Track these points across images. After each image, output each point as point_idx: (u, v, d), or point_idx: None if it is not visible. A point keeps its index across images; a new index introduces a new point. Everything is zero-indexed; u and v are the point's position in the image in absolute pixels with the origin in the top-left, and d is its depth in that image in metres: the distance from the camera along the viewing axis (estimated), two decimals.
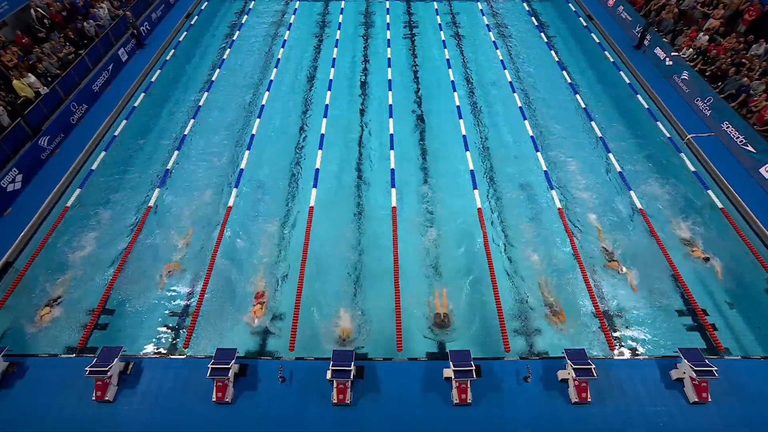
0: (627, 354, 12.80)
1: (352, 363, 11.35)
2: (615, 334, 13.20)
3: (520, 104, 22.12)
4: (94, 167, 18.58)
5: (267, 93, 22.73)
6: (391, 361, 12.35)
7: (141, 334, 13.29)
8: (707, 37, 23.00)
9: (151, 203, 16.98)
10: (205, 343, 12.96)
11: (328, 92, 22.84)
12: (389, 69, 24.78)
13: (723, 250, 15.21)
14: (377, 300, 13.98)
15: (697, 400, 11.36)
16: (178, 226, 16.31)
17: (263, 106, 21.89)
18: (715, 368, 11.30)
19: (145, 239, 15.85)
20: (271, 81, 23.64)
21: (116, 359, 11.53)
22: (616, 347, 12.84)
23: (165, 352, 12.86)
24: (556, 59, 25.73)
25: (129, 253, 15.19)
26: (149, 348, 12.96)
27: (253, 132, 20.27)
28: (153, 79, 23.95)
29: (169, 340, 13.19)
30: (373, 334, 13.14)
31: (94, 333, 13.19)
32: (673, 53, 23.40)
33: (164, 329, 13.46)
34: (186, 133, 20.35)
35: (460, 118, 21.24)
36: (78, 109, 20.81)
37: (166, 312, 13.88)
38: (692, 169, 18.48)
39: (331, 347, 12.36)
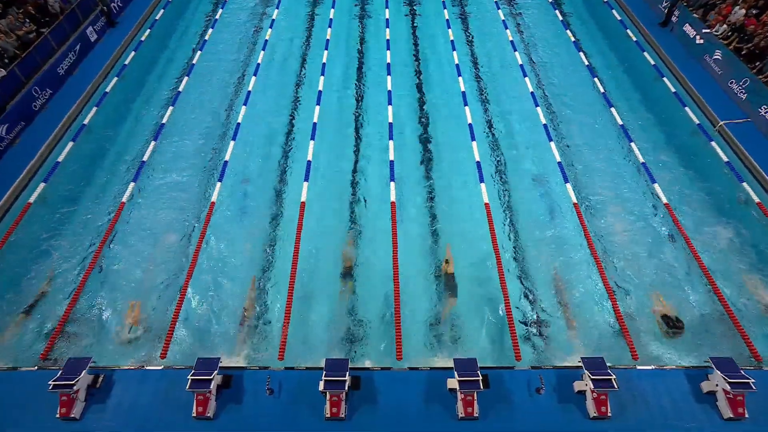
0: (652, 363, 12.75)
1: (347, 373, 11.33)
2: (638, 341, 13.15)
3: (531, 89, 22.10)
4: (60, 159, 18.50)
5: (254, 78, 22.71)
6: (389, 371, 12.33)
7: (113, 342, 13.27)
8: (744, 10, 22.74)
9: (125, 198, 16.98)
10: (185, 352, 12.99)
11: (321, 77, 22.81)
12: (388, 51, 24.75)
13: (758, 248, 15.22)
14: (374, 303, 14.02)
15: (731, 415, 11.28)
16: (155, 224, 16.39)
17: (249, 92, 21.87)
18: (752, 380, 11.22)
19: (119, 239, 15.88)
20: (259, 64, 23.62)
21: (84, 371, 11.46)
22: (639, 355, 12.79)
23: (140, 362, 12.83)
24: (573, 39, 25.65)
25: (99, 254, 15.20)
26: (122, 358, 12.92)
27: (239, 121, 20.27)
28: (126, 62, 23.86)
29: (145, 349, 13.17)
30: (370, 340, 13.18)
31: (59, 342, 13.19)
32: (704, 30, 23.29)
33: (139, 337, 13.46)
34: (164, 122, 20.33)
35: (466, 104, 21.22)
36: (41, 95, 20.74)
37: (143, 316, 13.91)
38: (725, 159, 18.41)
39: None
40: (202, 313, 14.05)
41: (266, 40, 25.34)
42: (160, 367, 12.45)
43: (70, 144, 19.19)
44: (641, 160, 18.43)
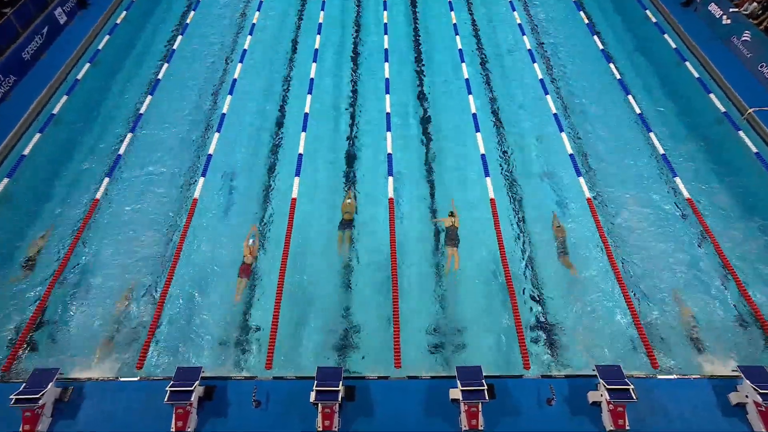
0: (674, 372, 12.68)
1: (341, 382, 11.25)
2: (658, 348, 13.11)
3: (541, 76, 22.08)
4: (26, 152, 18.35)
5: (240, 65, 22.65)
6: (387, 380, 12.26)
7: (84, 352, 13.17)
8: None
9: (99, 195, 16.89)
10: (164, 362, 12.93)
11: (314, 64, 22.75)
12: (386, 36, 24.68)
13: None
14: (371, 307, 14.02)
15: (764, 430, 11.17)
16: (132, 223, 16.37)
17: (235, 80, 21.82)
18: None
19: (92, 240, 15.81)
20: (245, 50, 23.54)
21: (51, 384, 11.32)
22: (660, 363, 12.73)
23: (114, 373, 12.73)
24: (586, 21, 25.58)
25: (70, 256, 15.10)
26: (94, 369, 12.79)
27: (224, 111, 20.20)
28: (100, 47, 23.71)
29: (120, 358, 13.07)
30: (365, 347, 13.15)
31: (23, 352, 13.10)
32: (731, 9, 23.23)
33: (113, 345, 13.37)
34: (142, 111, 20.24)
35: (470, 93, 21.17)
36: (4, 82, 20.60)
37: (116, 325, 13.79)
38: (754, 149, 18.37)
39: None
40: (183, 319, 13.98)
41: (253, 24, 25.24)
42: (135, 379, 12.34)
43: (38, 136, 19.06)
44: (661, 151, 18.38)
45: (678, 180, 17.25)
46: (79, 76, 21.92)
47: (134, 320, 13.99)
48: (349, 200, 16.73)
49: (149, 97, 20.94)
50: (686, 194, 16.78)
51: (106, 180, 17.40)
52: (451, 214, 16.19)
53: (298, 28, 25.73)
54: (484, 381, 11.14)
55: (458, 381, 11.24)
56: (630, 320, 13.59)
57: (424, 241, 16.06)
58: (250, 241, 15.49)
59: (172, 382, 11.25)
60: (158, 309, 13.67)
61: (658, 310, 14.16)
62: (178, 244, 15.28)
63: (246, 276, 14.83)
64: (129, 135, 19.14)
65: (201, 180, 17.38)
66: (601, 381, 11.32)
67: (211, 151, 18.47)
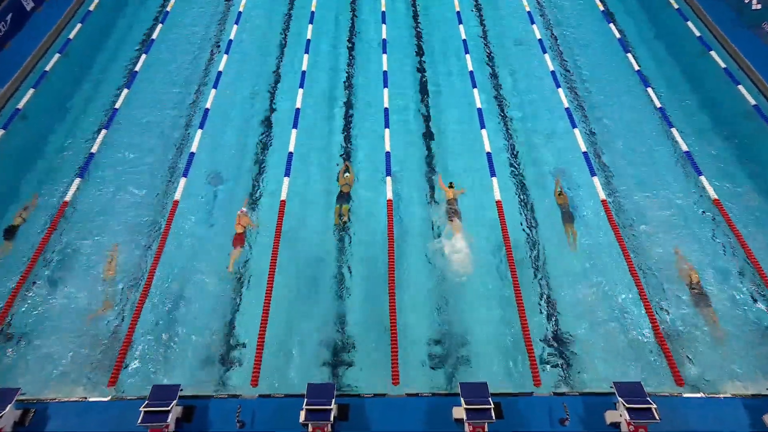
0: (701, 390, 12.57)
1: (333, 400, 11.15)
2: (683, 362, 13.06)
3: (552, 68, 22.09)
4: None
5: (225, 57, 22.64)
6: (384, 398, 12.15)
7: (48, 369, 13.09)
8: None
9: (69, 198, 16.81)
10: (139, 379, 12.87)
11: (306, 55, 22.74)
12: (384, 25, 24.63)
13: None
14: (367, 319, 14.03)
15: None
16: (106, 230, 16.34)
17: (220, 72, 21.82)
18: None
19: (61, 248, 15.77)
20: (231, 41, 23.56)
21: (10, 406, 11.16)
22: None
23: (82, 393, 12.60)
24: (601, 8, 25.65)
25: (33, 267, 15.04)
26: (59, 388, 12.67)
27: (207, 106, 20.18)
28: (71, 36, 23.56)
29: (90, 375, 12.98)
30: (361, 362, 13.14)
31: None
32: None
33: (81, 362, 13.26)
34: (117, 107, 20.19)
35: (474, 86, 21.19)
36: None
37: (85, 338, 13.71)
38: None
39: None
40: (161, 331, 13.93)
41: (240, 12, 25.26)
42: (106, 398, 12.21)
43: (1, 132, 18.89)
44: (684, 148, 18.35)
45: (703, 179, 17.19)
46: (48, 68, 21.78)
47: (106, 332, 13.90)
48: (347, 173, 17.62)
49: (126, 91, 20.88)
50: (713, 195, 16.72)
51: (77, 181, 17.32)
52: (451, 185, 17.06)
53: (288, 17, 25.75)
54: (490, 399, 11.01)
55: (462, 399, 11.11)
56: (651, 332, 13.52)
57: (425, 241, 16.11)
58: (243, 210, 16.55)
59: (146, 402, 11.11)
60: (133, 320, 13.55)
61: (682, 322, 14.09)
62: (157, 250, 15.22)
63: (240, 245, 15.73)
64: (103, 132, 19.05)
65: (182, 181, 17.33)
66: (619, 399, 11.19)
67: (193, 149, 18.44)
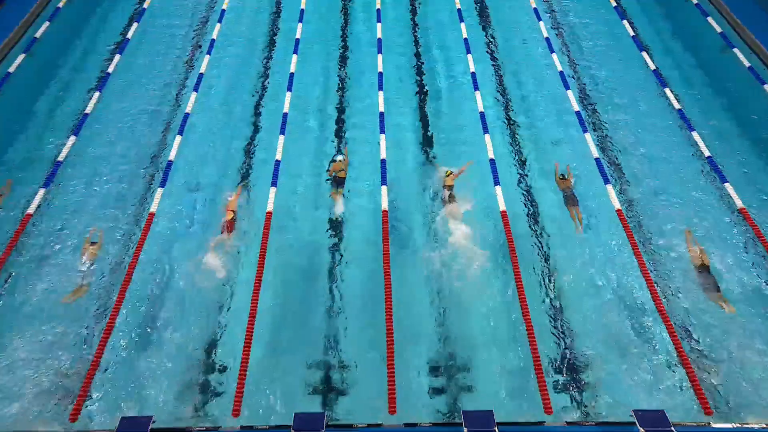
0: (732, 420, 12.30)
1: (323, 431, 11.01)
2: (711, 389, 12.78)
3: (561, 68, 22.14)
4: None
5: (207, 57, 22.71)
6: (379, 428, 11.92)
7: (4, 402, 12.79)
8: None
9: (32, 209, 16.63)
10: (106, 410, 12.55)
11: (294, 56, 22.83)
12: (379, 24, 24.81)
13: None
14: (361, 342, 13.89)
15: None
16: (74, 241, 16.12)
17: (202, 74, 21.84)
18: None
19: (22, 265, 15.53)
20: (213, 40, 23.62)
21: None
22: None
23: (42, 426, 12.31)
24: (614, 3, 25.82)
25: None
26: (12, 422, 12.37)
27: (188, 111, 20.14)
28: (38, 35, 23.61)
29: (48, 407, 12.64)
30: (354, 389, 13.00)
31: None
32: None
33: (39, 391, 12.93)
34: (88, 111, 20.06)
35: (477, 89, 21.25)
36: None
37: (41, 364, 13.39)
38: None
39: None
40: (130, 359, 13.65)
41: (223, 10, 25.35)
42: None
43: None
44: (707, 153, 18.24)
45: (728, 186, 17.08)
46: (11, 69, 21.76)
47: (68, 360, 13.58)
48: (340, 158, 18.58)
49: (97, 94, 20.79)
50: (739, 203, 16.59)
51: (41, 192, 17.11)
52: (449, 175, 17.61)
53: (276, 14, 25.90)
54: (496, 428, 10.84)
55: (465, 429, 10.92)
56: (675, 355, 13.27)
57: (424, 254, 15.96)
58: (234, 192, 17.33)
59: None
60: (100, 346, 13.27)
61: (709, 346, 13.81)
62: (129, 268, 15.00)
63: (228, 231, 16.24)
64: (71, 139, 18.87)
65: (159, 191, 17.18)
66: (640, 429, 10.99)
67: (171, 157, 18.31)
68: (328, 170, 18.18)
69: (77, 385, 12.63)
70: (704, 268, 15.12)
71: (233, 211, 16.56)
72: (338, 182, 17.74)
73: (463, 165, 17.86)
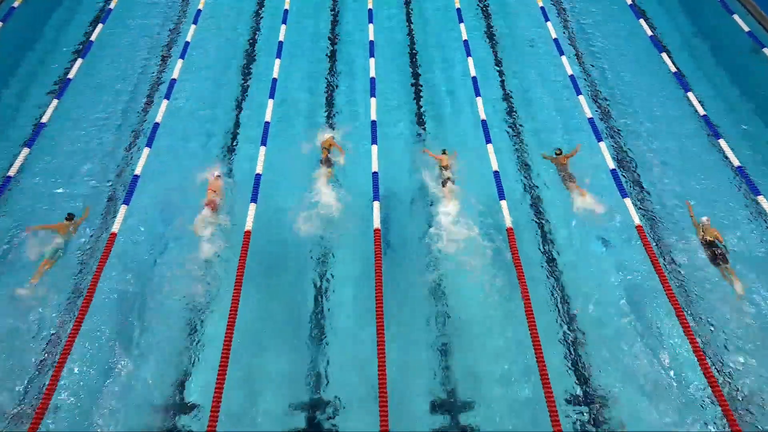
0: None
1: None
2: (740, 411, 12.66)
3: (571, 72, 22.17)
4: None
5: (180, 61, 22.67)
6: None
7: None
8: None
9: None
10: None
11: (277, 60, 22.84)
12: (371, 25, 24.85)
13: None
14: (352, 359, 13.89)
15: None
16: (25, 268, 15.78)
17: (174, 80, 21.82)
18: None
19: None
20: (188, 43, 23.61)
21: None
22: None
23: None
24: (629, 1, 25.92)
25: None
26: None
27: (158, 120, 20.01)
28: None
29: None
30: (346, 407, 12.96)
31: None
32: None
33: None
34: (45, 121, 19.88)
35: (478, 95, 21.27)
36: None
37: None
38: None
39: None
40: (94, 382, 13.49)
41: (199, 10, 25.37)
42: None
43: None
44: (736, 163, 18.15)
45: (762, 200, 16.93)
46: None
47: (28, 389, 13.38)
48: (329, 135, 19.50)
49: (55, 101, 20.61)
50: None
51: None
52: (444, 152, 18.56)
53: (257, 16, 25.97)
54: None
55: None
56: (701, 374, 13.07)
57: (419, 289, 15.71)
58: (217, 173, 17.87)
59: None
60: (56, 371, 12.97)
61: (740, 372, 13.61)
62: (88, 291, 14.67)
63: (212, 210, 16.95)
64: (24, 151, 18.59)
65: (123, 208, 16.90)
66: None
67: (138, 171, 18.04)
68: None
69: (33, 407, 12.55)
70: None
71: (215, 191, 17.17)
72: (327, 162, 18.52)
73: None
